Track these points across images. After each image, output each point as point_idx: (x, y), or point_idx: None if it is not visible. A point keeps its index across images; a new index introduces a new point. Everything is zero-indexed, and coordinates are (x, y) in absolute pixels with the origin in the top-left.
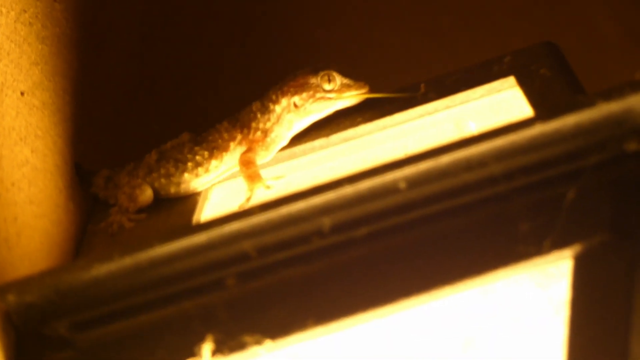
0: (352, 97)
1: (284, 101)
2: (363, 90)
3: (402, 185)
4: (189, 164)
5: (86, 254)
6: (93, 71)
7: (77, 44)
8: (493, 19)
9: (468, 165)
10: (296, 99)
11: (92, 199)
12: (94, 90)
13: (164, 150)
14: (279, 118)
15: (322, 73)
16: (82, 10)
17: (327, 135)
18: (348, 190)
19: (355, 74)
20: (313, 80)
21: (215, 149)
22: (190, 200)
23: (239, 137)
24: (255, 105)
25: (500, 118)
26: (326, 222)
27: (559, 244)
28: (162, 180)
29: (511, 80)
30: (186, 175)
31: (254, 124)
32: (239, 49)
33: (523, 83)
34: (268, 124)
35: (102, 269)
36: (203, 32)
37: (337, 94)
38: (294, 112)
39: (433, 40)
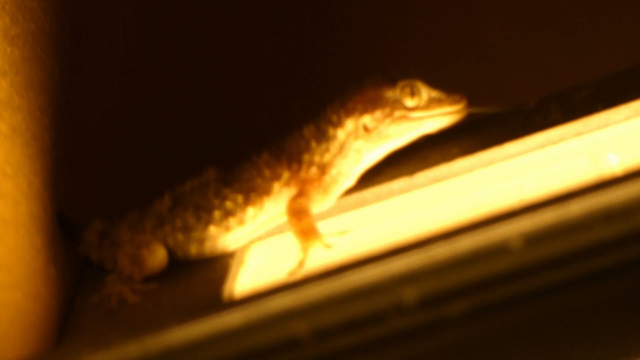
0: (444, 116)
1: (349, 123)
2: (459, 106)
3: (517, 244)
4: (216, 213)
5: (74, 339)
6: (81, 83)
7: (59, 45)
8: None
9: (608, 216)
10: (367, 119)
11: (82, 262)
12: (83, 109)
13: (180, 193)
14: (342, 147)
15: (402, 83)
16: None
17: (411, 173)
18: (441, 251)
19: (445, 83)
20: (390, 94)
21: (253, 191)
22: (219, 265)
23: (285, 174)
24: (308, 130)
25: None
26: (410, 294)
27: None
28: (179, 235)
29: None
30: (212, 229)
31: (306, 157)
32: (270, 52)
33: None
34: (327, 156)
35: None
36: (222, 29)
37: (424, 112)
38: (364, 138)
39: (557, 39)
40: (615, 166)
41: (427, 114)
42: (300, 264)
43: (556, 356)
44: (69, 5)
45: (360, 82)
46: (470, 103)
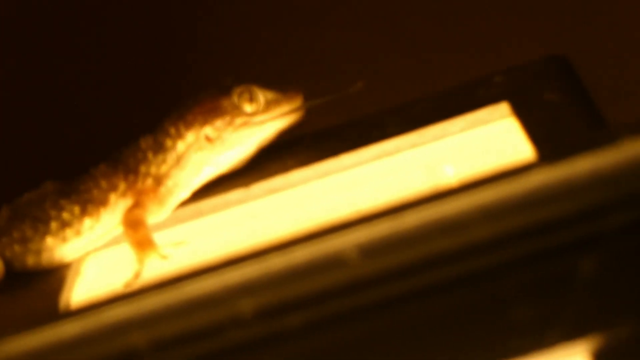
0: (284, 115)
1: (190, 135)
2: (297, 103)
3: (352, 256)
4: (53, 224)
5: None
6: None
7: None
8: (480, 24)
9: (443, 228)
10: (208, 130)
11: None
12: None
13: (17, 205)
14: (179, 159)
15: (238, 90)
16: None
17: (247, 184)
18: (277, 262)
19: (279, 83)
20: (227, 102)
21: (90, 202)
22: (55, 276)
23: (122, 185)
24: (145, 142)
25: (489, 161)
26: (247, 306)
27: (568, 336)
28: (16, 247)
29: (504, 107)
30: (49, 240)
31: (143, 168)
32: (116, 63)
33: (520, 112)
34: (164, 168)
35: None
36: (67, 39)
37: (264, 115)
38: (207, 148)
39: (396, 50)
40: (451, 177)
41: (267, 117)
42: (136, 275)
43: None
44: None
45: (196, 95)
46: (307, 97)
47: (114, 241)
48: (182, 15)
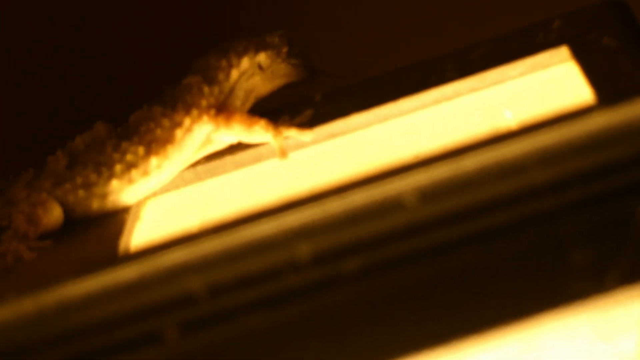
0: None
1: (244, 62)
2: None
3: (411, 199)
4: (117, 167)
5: None
6: None
7: None
8: None
9: (503, 171)
10: (262, 57)
11: None
12: None
13: (74, 150)
14: (233, 88)
15: (278, 32)
16: None
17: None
18: (335, 205)
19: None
20: (270, 39)
21: (154, 142)
22: (114, 222)
23: (187, 121)
24: (194, 79)
25: (548, 105)
26: (304, 250)
27: (626, 280)
28: (80, 192)
29: (563, 52)
30: (115, 183)
31: (203, 102)
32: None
33: (579, 57)
34: (221, 97)
35: None
36: None
37: (297, 60)
38: (258, 76)
39: None
40: (510, 121)
41: (298, 62)
42: (282, 152)
43: (453, 314)
44: None
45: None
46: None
47: (173, 186)
48: None
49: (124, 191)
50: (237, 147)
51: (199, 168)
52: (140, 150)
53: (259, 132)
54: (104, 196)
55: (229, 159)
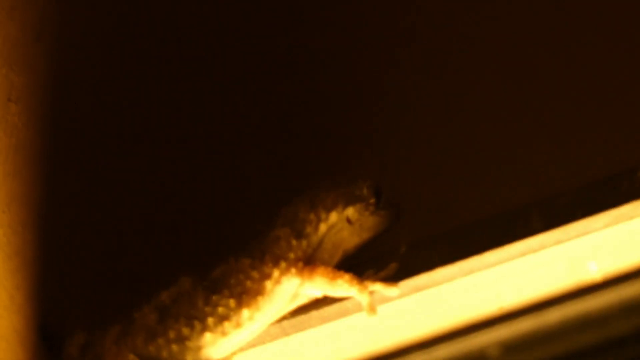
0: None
1: (332, 216)
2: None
3: (495, 353)
4: (209, 320)
5: None
6: (60, 194)
7: (40, 159)
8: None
9: (586, 324)
10: (350, 211)
11: None
12: (63, 222)
13: (160, 304)
14: (321, 241)
15: (367, 182)
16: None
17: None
18: None
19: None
20: (358, 191)
21: (244, 294)
22: None
23: (275, 273)
24: (282, 232)
25: (633, 257)
26: None
27: None
28: (174, 347)
29: None
30: (208, 336)
31: (291, 255)
32: None
33: None
34: (309, 251)
35: None
36: None
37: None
38: (346, 230)
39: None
40: (595, 275)
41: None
42: (371, 308)
43: None
44: (49, 119)
45: (317, 185)
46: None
47: (259, 341)
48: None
49: (217, 344)
50: (322, 302)
51: (285, 323)
52: (232, 302)
53: (344, 287)
54: (197, 350)
55: (314, 314)
